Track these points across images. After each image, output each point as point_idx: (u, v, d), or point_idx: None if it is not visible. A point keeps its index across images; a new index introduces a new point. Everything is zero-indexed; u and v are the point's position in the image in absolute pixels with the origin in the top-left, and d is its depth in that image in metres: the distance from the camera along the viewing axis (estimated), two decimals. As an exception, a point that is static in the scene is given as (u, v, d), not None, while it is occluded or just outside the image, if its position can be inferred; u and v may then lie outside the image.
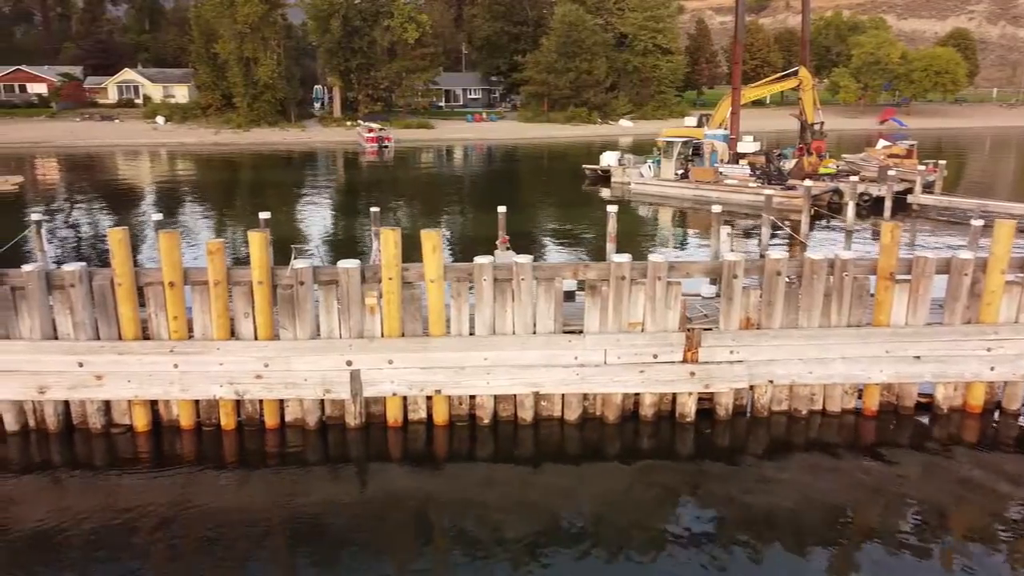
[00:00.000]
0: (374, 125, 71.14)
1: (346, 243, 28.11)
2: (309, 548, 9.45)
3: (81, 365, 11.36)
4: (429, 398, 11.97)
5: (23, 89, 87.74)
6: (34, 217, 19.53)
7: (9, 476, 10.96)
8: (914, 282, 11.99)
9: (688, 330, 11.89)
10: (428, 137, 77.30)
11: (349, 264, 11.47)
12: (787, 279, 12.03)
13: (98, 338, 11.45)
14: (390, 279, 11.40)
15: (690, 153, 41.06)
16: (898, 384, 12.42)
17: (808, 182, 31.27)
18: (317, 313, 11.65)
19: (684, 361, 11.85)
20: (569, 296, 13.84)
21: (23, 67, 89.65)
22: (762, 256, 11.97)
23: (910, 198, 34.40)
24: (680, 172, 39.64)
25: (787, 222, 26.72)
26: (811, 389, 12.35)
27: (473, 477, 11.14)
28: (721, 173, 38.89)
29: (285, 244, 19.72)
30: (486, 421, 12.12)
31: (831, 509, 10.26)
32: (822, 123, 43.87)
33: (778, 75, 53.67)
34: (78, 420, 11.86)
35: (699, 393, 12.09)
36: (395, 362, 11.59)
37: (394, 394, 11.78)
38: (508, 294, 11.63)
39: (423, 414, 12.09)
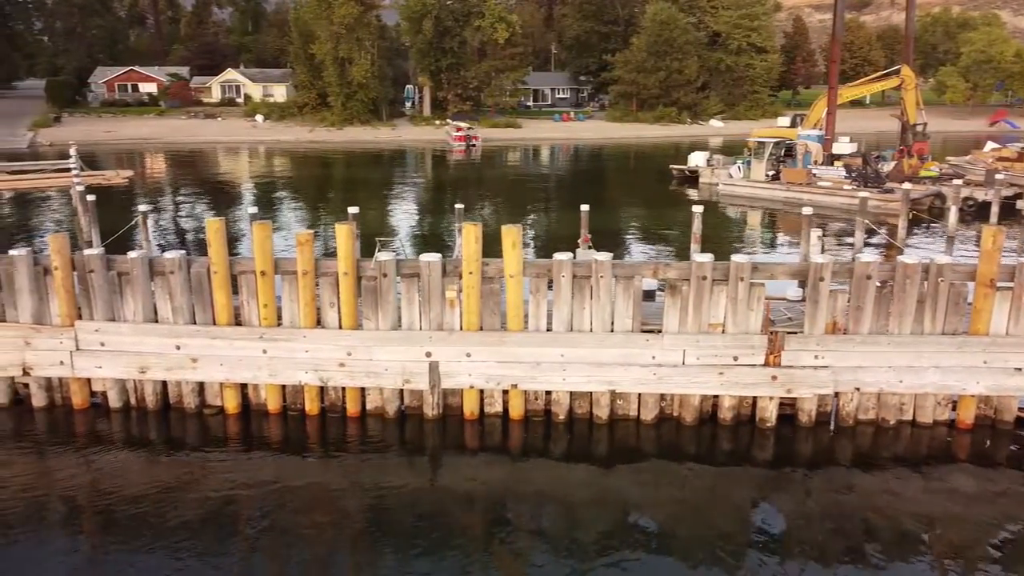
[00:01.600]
0: (462, 124, 71.95)
1: (431, 239, 28.60)
2: (382, 534, 9.71)
3: (178, 348, 11.98)
4: (505, 392, 12.08)
5: (135, 89, 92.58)
6: (141, 208, 20.62)
7: (112, 449, 11.67)
8: (1017, 290, 11.37)
9: (771, 333, 11.62)
10: (515, 136, 77.65)
11: (431, 258, 11.70)
12: (878, 283, 11.59)
13: (194, 323, 12.05)
14: (470, 273, 11.57)
15: (782, 154, 39.89)
16: (996, 397, 11.80)
17: (908, 185, 29.91)
18: (399, 305, 11.92)
19: (766, 364, 11.58)
20: (649, 296, 13.71)
21: (136, 68, 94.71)
22: (853, 259, 11.56)
23: (1020, 204, 32.43)
24: (771, 173, 38.57)
25: (883, 227, 25.67)
26: (901, 399, 11.87)
27: (547, 473, 11.19)
28: (814, 175, 37.64)
29: (372, 238, 20.24)
30: (561, 417, 12.15)
31: (917, 526, 9.86)
32: (925, 124, 41.88)
33: (879, 74, 51.54)
34: (174, 400, 12.50)
35: (781, 398, 11.80)
36: (473, 355, 11.76)
37: (471, 387, 11.95)
38: (587, 291, 11.63)
39: (499, 408, 12.22)
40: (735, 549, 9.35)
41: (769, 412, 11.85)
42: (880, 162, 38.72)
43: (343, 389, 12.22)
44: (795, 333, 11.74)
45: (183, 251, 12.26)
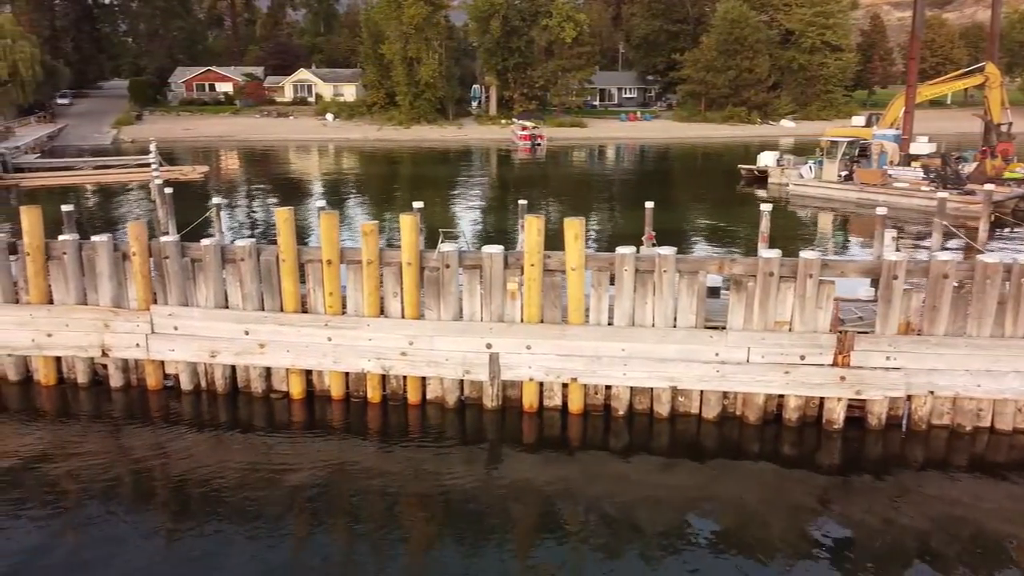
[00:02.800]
0: (528, 123, 72.10)
1: (494, 234, 28.72)
2: (439, 523, 9.79)
3: (247, 333, 12.31)
4: (565, 385, 12.04)
5: (212, 88, 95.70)
6: (214, 201, 21.30)
7: (183, 430, 12.06)
8: (1107, 293, 10.78)
9: (840, 332, 11.28)
10: (581, 136, 77.41)
11: (493, 249, 11.74)
12: (955, 284, 11.13)
13: (263, 309, 12.36)
14: (532, 266, 11.56)
15: (856, 154, 38.72)
16: (1082, 405, 11.21)
17: (990, 187, 28.67)
18: (460, 296, 12.00)
19: (834, 364, 11.25)
20: (714, 293, 13.47)
21: (213, 68, 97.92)
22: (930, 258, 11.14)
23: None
24: (844, 174, 37.45)
25: (963, 229, 24.67)
26: (978, 404, 11.38)
27: (605, 468, 11.09)
28: (890, 175, 36.40)
29: (436, 232, 20.45)
30: (621, 413, 12.04)
31: (993, 537, 9.43)
32: (1010, 124, 40.04)
33: (961, 71, 49.54)
34: (242, 384, 12.85)
35: (849, 399, 11.44)
36: (533, 348, 11.75)
37: (531, 379, 11.95)
38: (649, 286, 11.50)
39: (558, 401, 12.18)
40: (796, 554, 9.11)
41: (836, 414, 11.51)
42: (961, 163, 37.22)
43: (404, 378, 12.36)
44: (866, 333, 11.37)
45: (253, 239, 12.59)
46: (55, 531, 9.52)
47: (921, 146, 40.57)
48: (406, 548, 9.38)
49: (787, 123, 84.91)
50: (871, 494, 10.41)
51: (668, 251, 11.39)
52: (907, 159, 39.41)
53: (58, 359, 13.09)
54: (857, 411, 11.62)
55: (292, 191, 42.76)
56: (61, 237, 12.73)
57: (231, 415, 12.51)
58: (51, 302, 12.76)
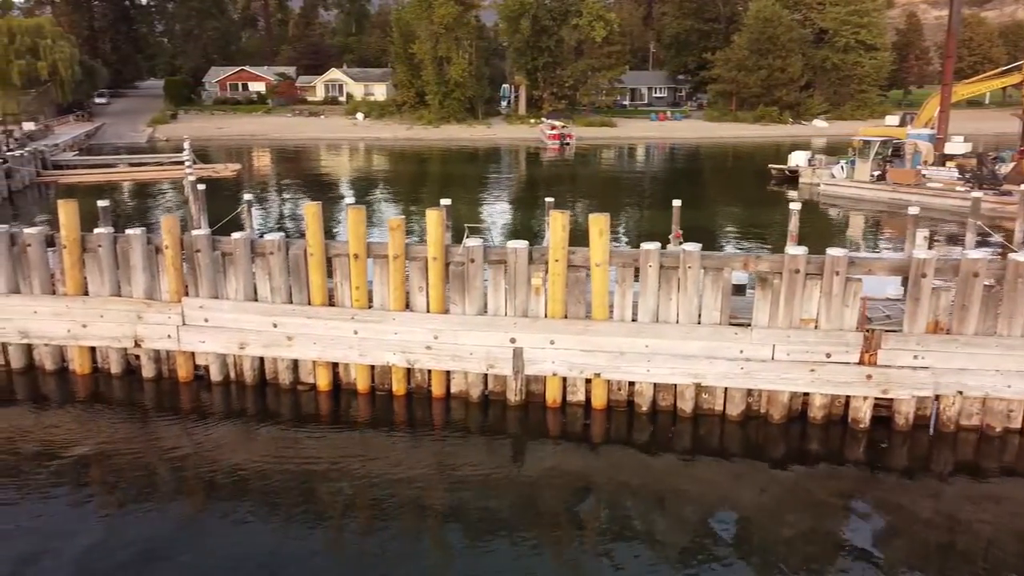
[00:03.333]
0: (556, 123, 72.06)
1: (521, 232, 28.80)
2: (462, 515, 9.86)
3: (275, 326, 12.50)
4: (588, 381, 12.06)
5: (245, 88, 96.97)
6: (246, 197, 21.64)
7: (212, 421, 12.28)
8: None
9: (867, 330, 11.17)
10: (610, 135, 77.17)
11: (518, 244, 11.80)
12: (987, 282, 10.97)
13: (291, 302, 12.54)
14: (556, 261, 11.61)
15: (889, 153, 38.18)
16: (1116, 407, 10.99)
17: (1027, 187, 28.10)
18: (485, 291, 12.07)
19: (860, 363, 11.15)
20: (739, 290, 13.41)
21: (246, 68, 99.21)
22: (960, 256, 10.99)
23: None
24: (876, 173, 36.94)
25: (999, 231, 24.22)
26: (1008, 405, 11.20)
27: (628, 464, 11.10)
28: (924, 175, 35.85)
29: (463, 229, 20.57)
30: (644, 409, 12.04)
31: (1021, 542, 9.27)
32: (1050, 124, 39.26)
33: (998, 70, 48.60)
34: (270, 376, 13.05)
35: (875, 398, 11.33)
36: (557, 343, 11.80)
37: (554, 374, 11.99)
38: (674, 282, 11.48)
39: (582, 397, 12.21)
40: (820, 554, 9.05)
41: (863, 413, 11.41)
42: (997, 163, 36.51)
43: (429, 372, 12.47)
44: (894, 332, 11.25)
45: (282, 233, 12.78)
46: (85, 516, 9.77)
47: (956, 146, 39.90)
48: (429, 540, 9.48)
49: (819, 123, 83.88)
50: (897, 495, 10.31)
51: (693, 247, 11.36)
52: (942, 159, 38.79)
53: (92, 349, 13.40)
54: (884, 411, 11.50)
55: (322, 189, 43.21)
56: (96, 230, 13.02)
57: (259, 406, 12.71)
58: (86, 293, 13.05)
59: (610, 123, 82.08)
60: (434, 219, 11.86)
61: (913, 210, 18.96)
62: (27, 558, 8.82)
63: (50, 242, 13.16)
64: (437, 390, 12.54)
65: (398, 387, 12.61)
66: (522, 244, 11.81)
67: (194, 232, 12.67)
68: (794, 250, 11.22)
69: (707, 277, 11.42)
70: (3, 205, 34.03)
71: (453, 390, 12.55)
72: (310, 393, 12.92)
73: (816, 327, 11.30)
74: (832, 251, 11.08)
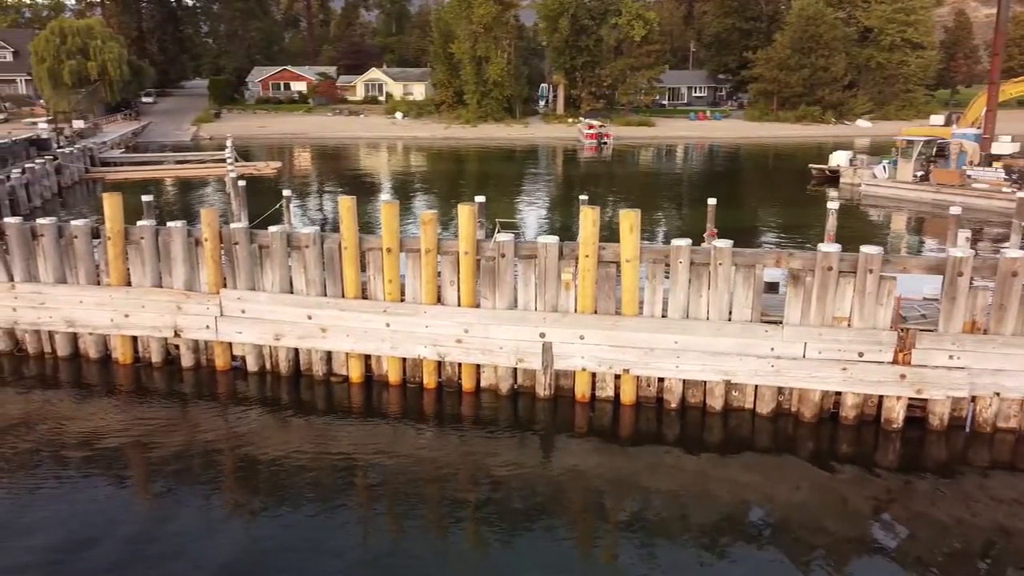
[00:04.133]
0: (594, 122, 71.85)
1: (555, 230, 28.83)
2: (491, 509, 9.95)
3: (310, 318, 12.74)
4: (617, 376, 12.08)
5: (287, 87, 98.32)
6: (285, 193, 22.02)
7: (248, 410, 12.56)
8: None
9: (901, 329, 11.02)
10: (648, 135, 76.72)
11: (548, 240, 11.87)
12: (1026, 282, 10.76)
13: (325, 295, 12.77)
14: (586, 256, 11.65)
15: (933, 153, 37.38)
16: None
17: (1077, 188, 27.36)
18: (516, 285, 12.16)
19: (894, 362, 11.01)
20: (772, 288, 13.31)
21: (288, 67, 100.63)
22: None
23: None
24: (919, 174, 36.21)
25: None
26: (1048, 407, 10.96)
27: (656, 461, 11.11)
28: (969, 176, 35.03)
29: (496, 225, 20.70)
30: (674, 405, 12.03)
31: (1059, 540, 9.10)
32: (1103, 123, 38.07)
33: (1051, 69, 47.24)
34: (304, 367, 13.30)
35: (909, 398, 11.17)
36: (586, 338, 11.84)
37: (583, 369, 12.04)
38: (704, 278, 11.45)
39: (611, 392, 12.23)
40: (851, 555, 8.96)
41: (896, 413, 11.26)
42: (1047, 163, 35.56)
43: (459, 365, 12.60)
44: (929, 331, 11.08)
45: (317, 227, 13.01)
46: (126, 501, 10.09)
47: (1003, 146, 38.88)
48: (457, 532, 9.59)
49: (863, 123, 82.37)
50: (931, 497, 10.17)
51: (724, 244, 11.32)
52: (988, 159, 37.83)
53: (134, 339, 13.79)
54: (918, 411, 11.34)
55: (361, 186, 43.67)
56: (139, 223, 13.41)
57: (294, 397, 12.97)
58: (129, 284, 13.43)
59: (648, 123, 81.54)
60: (466, 214, 11.99)
61: (955, 210, 18.60)
62: (69, 542, 9.10)
63: (96, 233, 13.57)
64: (467, 383, 12.66)
65: (429, 380, 12.76)
66: (552, 239, 11.87)
67: (232, 225, 12.97)
68: (827, 247, 11.12)
69: (738, 274, 11.37)
70: (53, 200, 35.04)
71: (483, 383, 12.66)
72: (343, 384, 13.13)
73: (849, 325, 11.18)
74: (866, 248, 10.95)
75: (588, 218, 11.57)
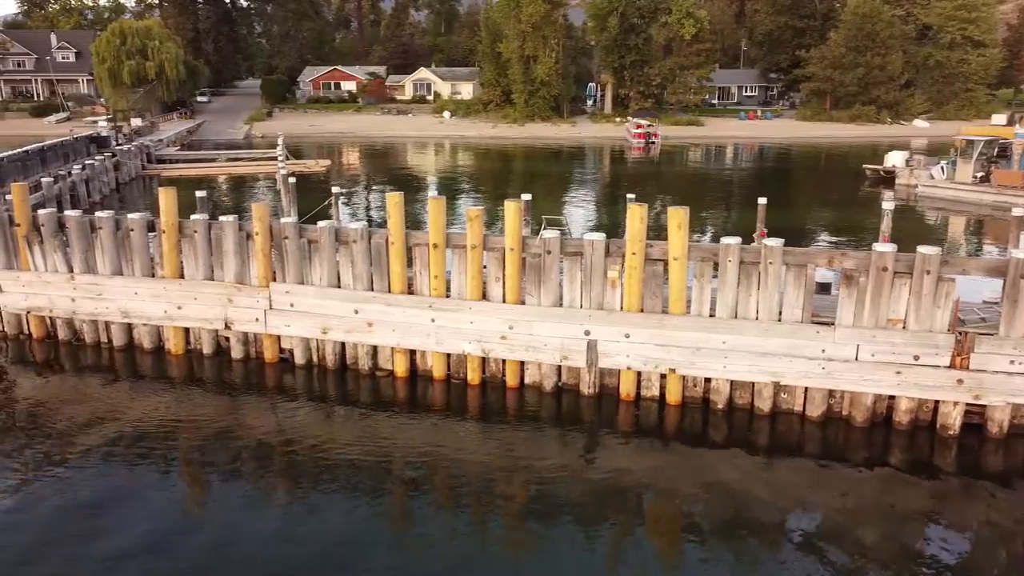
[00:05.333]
0: (642, 121, 71.34)
1: (601, 227, 28.59)
2: (533, 506, 9.89)
3: (356, 312, 12.86)
4: (663, 376, 11.95)
5: (337, 87, 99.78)
6: (334, 190, 22.31)
7: (296, 402, 12.73)
8: None
9: (959, 333, 10.67)
10: (697, 134, 75.92)
11: (595, 236, 11.79)
12: (1094, 285, 10.32)
13: (371, 290, 12.88)
14: (633, 254, 11.53)
15: (994, 154, 36.20)
16: None
17: None
18: (561, 282, 12.10)
19: (951, 366, 10.66)
20: (824, 289, 13.01)
21: (339, 67, 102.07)
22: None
23: None
24: (980, 175, 35.11)
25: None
26: (1115, 416, 10.51)
27: (702, 462, 10.93)
28: (1032, 177, 33.86)
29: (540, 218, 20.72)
30: (720, 406, 11.84)
31: None
32: None
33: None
34: (351, 361, 13.44)
35: (967, 404, 10.81)
36: (632, 336, 11.73)
37: (629, 368, 11.93)
38: (754, 278, 11.25)
39: (656, 391, 12.10)
40: (902, 566, 8.67)
41: (952, 419, 10.91)
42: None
43: (503, 361, 12.59)
44: (988, 335, 10.71)
45: (365, 223, 13.12)
46: (174, 489, 10.29)
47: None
48: (499, 528, 9.54)
49: (920, 123, 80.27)
50: (988, 506, 9.83)
51: (775, 243, 11.10)
52: (1053, 160, 36.50)
53: (187, 330, 14.09)
54: (976, 417, 10.97)
55: (408, 183, 44.05)
56: (193, 217, 13.69)
57: (340, 390, 13.10)
58: (182, 277, 13.73)
59: (697, 122, 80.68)
60: (512, 210, 11.97)
61: (1017, 211, 17.98)
62: (118, 529, 9.30)
63: (151, 228, 13.89)
64: (511, 380, 12.64)
65: (473, 376, 12.78)
66: (599, 236, 11.78)
67: (282, 220, 13.16)
68: (882, 247, 10.82)
69: (789, 273, 11.13)
70: (111, 195, 36.09)
71: (527, 380, 12.64)
72: (388, 379, 13.23)
73: (904, 327, 10.87)
74: (923, 249, 10.63)
75: (635, 215, 11.45)
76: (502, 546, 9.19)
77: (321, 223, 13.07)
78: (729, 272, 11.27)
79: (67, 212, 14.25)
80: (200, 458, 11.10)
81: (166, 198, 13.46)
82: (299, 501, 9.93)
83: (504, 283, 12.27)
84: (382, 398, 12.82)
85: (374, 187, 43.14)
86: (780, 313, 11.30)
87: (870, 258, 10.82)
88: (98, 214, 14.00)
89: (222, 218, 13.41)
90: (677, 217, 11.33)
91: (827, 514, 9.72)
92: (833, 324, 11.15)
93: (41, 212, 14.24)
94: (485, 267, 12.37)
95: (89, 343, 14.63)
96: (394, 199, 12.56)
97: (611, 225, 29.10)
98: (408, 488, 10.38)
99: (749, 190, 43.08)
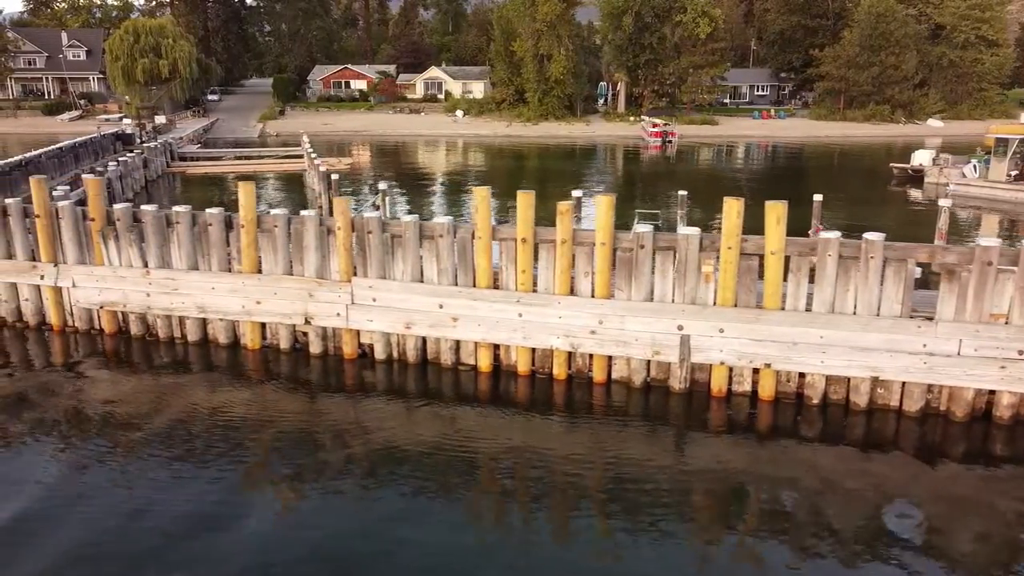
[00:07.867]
0: (658, 120, 71.35)
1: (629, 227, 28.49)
2: (620, 502, 9.72)
3: (441, 307, 12.79)
4: (756, 371, 11.88)
5: (347, 85, 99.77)
6: (381, 186, 22.31)
7: (377, 398, 12.64)
8: None
9: (1065, 327, 10.62)
10: (711, 133, 75.93)
11: (689, 231, 11.73)
12: None
13: (456, 284, 12.81)
14: (729, 248, 11.47)
15: (1026, 152, 36.18)
16: None
17: None
18: (652, 277, 12.03)
19: (1057, 361, 10.61)
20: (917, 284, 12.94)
21: (349, 66, 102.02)
22: None
23: None
24: (1015, 173, 35.07)
25: None
26: None
27: (796, 458, 10.84)
28: (1067, 176, 33.85)
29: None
30: (815, 402, 11.77)
31: None
32: None
33: None
34: (432, 356, 13.36)
35: (1072, 399, 10.76)
36: (726, 331, 11.66)
37: (722, 363, 11.86)
38: (852, 272, 11.19)
39: (748, 387, 12.03)
40: (1003, 564, 8.54)
41: (1057, 414, 10.87)
42: None
43: (591, 356, 12.52)
44: (1094, 330, 10.66)
45: (450, 217, 13.05)
46: (254, 488, 10.06)
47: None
48: (585, 526, 9.38)
49: (934, 122, 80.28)
50: (1098, 503, 9.74)
51: (876, 236, 11.04)
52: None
53: (263, 325, 14.01)
54: (1080, 412, 10.92)
55: (435, 180, 44.02)
56: (272, 211, 13.62)
57: (421, 385, 13.00)
58: (260, 272, 13.65)
59: (712, 121, 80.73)
60: (604, 205, 11.91)
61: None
62: (196, 527, 9.08)
63: (229, 224, 13.82)
64: (598, 375, 12.57)
65: (559, 371, 12.71)
66: (694, 231, 11.72)
67: (365, 214, 13.09)
68: (987, 241, 10.77)
69: (888, 267, 11.08)
70: (141, 193, 35.98)
71: (615, 376, 12.57)
72: (470, 373, 13.14)
73: (1007, 323, 10.81)
74: (1029, 243, 10.58)
75: (732, 209, 11.39)
76: (586, 543, 9.02)
77: (405, 217, 12.99)
78: (828, 267, 11.21)
79: (143, 207, 14.17)
80: (280, 457, 10.83)
81: (245, 193, 13.39)
82: (379, 497, 9.68)
83: (593, 278, 12.19)
84: (465, 393, 12.72)
85: (397, 184, 43.05)
86: (879, 308, 11.23)
87: (973, 253, 10.76)
88: (175, 208, 13.93)
89: (303, 212, 13.34)
90: (775, 211, 11.27)
91: (925, 511, 9.60)
92: (932, 319, 11.09)
93: (117, 207, 14.18)
94: (574, 262, 12.27)
95: (163, 338, 14.55)
96: (482, 193, 12.50)
97: (626, 222, 28.95)
98: (492, 483, 10.23)
99: (774, 187, 43.08)
